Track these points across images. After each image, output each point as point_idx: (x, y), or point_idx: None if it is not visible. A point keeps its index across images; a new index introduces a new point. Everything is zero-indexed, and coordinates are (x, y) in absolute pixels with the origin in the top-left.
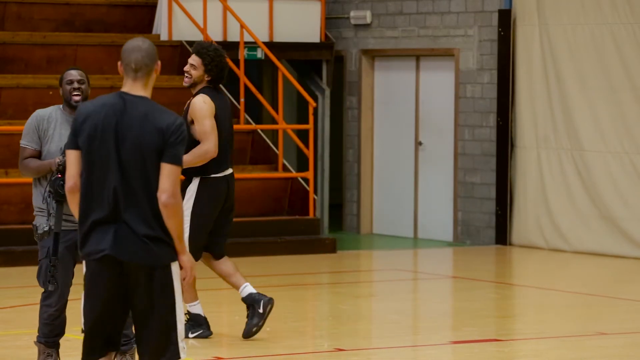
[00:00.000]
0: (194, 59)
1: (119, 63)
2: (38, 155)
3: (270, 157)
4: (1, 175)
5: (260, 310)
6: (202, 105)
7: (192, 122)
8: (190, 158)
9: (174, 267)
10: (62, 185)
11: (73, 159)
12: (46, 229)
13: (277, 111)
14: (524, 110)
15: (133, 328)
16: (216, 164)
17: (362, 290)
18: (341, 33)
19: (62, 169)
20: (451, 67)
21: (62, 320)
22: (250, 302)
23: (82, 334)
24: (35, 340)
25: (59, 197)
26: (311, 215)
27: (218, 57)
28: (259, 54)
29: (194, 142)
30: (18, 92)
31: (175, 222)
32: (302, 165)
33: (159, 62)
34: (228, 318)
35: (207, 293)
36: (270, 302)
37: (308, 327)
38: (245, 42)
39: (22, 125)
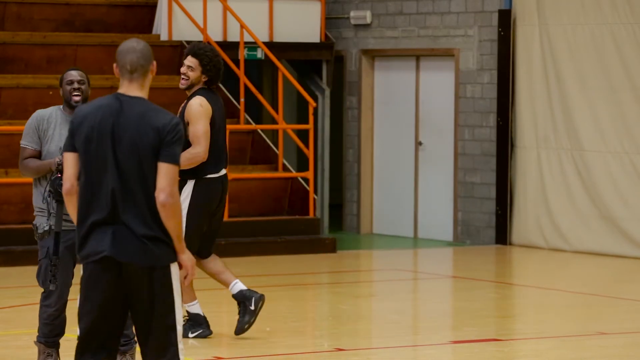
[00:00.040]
0: (190, 61)
1: (114, 65)
2: (38, 155)
3: (270, 157)
4: (1, 175)
5: (252, 307)
6: (198, 108)
7: (188, 123)
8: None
9: (173, 267)
10: (62, 185)
11: (70, 161)
12: (46, 228)
13: (277, 111)
14: (524, 110)
15: (133, 328)
16: (214, 164)
17: (362, 290)
18: (341, 33)
19: (62, 168)
20: (451, 67)
21: (62, 320)
22: (241, 299)
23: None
24: (35, 340)
25: (59, 196)
26: (311, 215)
27: (215, 57)
28: (259, 54)
29: (188, 144)
30: (18, 92)
31: (174, 222)
32: (302, 165)
33: (155, 62)
34: (228, 318)
35: (207, 293)
36: (261, 298)
37: (308, 327)
38: (245, 42)
39: (22, 125)
